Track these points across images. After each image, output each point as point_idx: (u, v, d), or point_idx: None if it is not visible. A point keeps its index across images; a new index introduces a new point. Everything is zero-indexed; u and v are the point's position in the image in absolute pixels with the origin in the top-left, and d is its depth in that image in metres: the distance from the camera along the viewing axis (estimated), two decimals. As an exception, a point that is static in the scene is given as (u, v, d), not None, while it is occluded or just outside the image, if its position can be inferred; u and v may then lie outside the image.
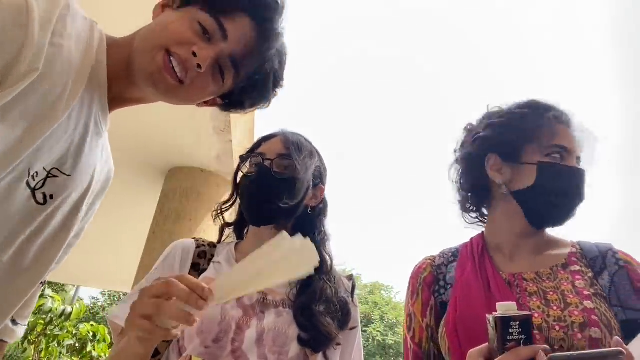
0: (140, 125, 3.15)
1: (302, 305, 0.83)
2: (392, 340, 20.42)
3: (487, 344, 0.65)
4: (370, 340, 20.84)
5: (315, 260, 0.58)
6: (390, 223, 54.20)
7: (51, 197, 0.61)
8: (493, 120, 0.93)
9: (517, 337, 0.60)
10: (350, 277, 0.99)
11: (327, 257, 0.94)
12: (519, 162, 0.88)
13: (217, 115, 2.92)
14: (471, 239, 0.97)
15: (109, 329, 0.80)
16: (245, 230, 1.02)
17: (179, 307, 0.56)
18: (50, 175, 0.60)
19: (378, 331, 21.13)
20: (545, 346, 0.61)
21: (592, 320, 0.72)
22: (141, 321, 0.57)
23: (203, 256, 0.92)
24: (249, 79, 0.74)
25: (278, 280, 0.61)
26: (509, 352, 0.60)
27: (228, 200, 0.99)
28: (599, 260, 0.83)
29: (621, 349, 0.57)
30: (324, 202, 1.00)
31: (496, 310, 0.64)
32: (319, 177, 0.98)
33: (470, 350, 0.66)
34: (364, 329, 20.79)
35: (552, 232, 0.92)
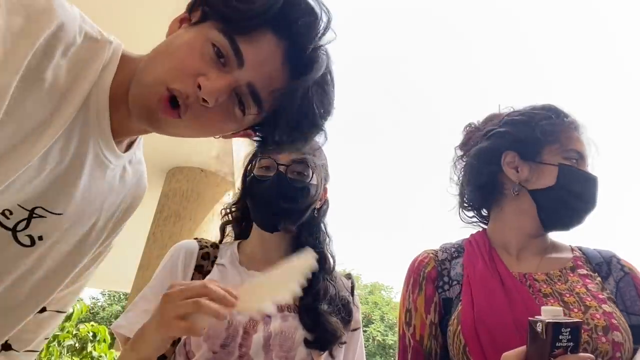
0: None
1: (307, 306, 0.83)
2: (392, 340, 20.43)
3: (523, 347, 0.63)
4: (371, 340, 20.87)
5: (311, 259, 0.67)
6: (390, 223, 54.37)
7: (40, 238, 0.55)
8: (513, 118, 0.92)
9: (565, 344, 0.58)
10: (349, 276, 0.99)
11: (330, 257, 0.94)
12: (538, 161, 0.87)
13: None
14: (472, 236, 0.96)
15: (109, 329, 0.80)
16: (243, 224, 1.00)
17: (214, 304, 0.61)
18: (35, 215, 0.54)
19: (378, 331, 21.16)
20: (592, 356, 0.60)
21: (612, 324, 0.72)
22: (179, 322, 0.61)
23: (206, 257, 0.91)
24: (281, 114, 0.59)
25: (289, 288, 0.66)
26: (558, 359, 0.58)
27: (236, 203, 0.99)
28: (604, 266, 0.85)
29: None
30: (326, 202, 1.00)
31: (522, 312, 0.62)
32: (325, 178, 0.97)
33: (505, 353, 0.64)
34: (364, 329, 20.71)
35: (552, 236, 0.92)
